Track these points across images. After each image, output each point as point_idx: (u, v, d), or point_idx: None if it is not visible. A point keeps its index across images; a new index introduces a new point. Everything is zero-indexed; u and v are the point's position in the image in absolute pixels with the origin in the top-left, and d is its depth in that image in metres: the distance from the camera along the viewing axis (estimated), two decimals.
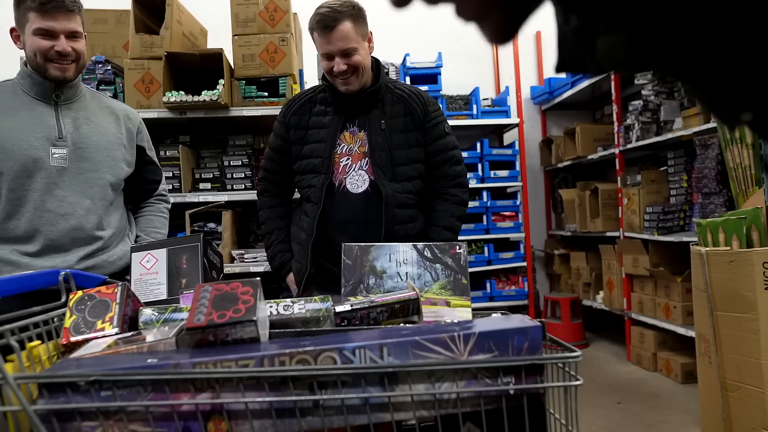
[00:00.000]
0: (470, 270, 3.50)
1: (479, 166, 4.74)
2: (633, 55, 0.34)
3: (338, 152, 1.93)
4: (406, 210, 1.92)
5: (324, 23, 1.82)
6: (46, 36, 1.68)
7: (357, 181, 1.92)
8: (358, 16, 1.88)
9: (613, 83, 4.27)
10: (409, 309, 1.01)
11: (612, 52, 0.34)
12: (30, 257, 1.69)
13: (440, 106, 2.09)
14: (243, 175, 3.25)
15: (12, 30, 1.76)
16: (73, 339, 0.90)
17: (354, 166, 1.93)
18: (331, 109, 1.98)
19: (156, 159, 2.07)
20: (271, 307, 0.95)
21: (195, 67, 3.08)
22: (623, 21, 0.33)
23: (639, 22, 0.33)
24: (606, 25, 0.34)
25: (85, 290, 0.97)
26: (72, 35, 1.71)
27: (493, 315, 0.94)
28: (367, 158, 1.92)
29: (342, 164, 1.93)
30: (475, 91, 4.83)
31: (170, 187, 3.03)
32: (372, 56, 2.00)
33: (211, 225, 3.25)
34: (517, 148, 4.87)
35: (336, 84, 1.92)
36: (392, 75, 4.57)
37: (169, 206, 2.12)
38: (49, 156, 1.71)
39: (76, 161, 1.76)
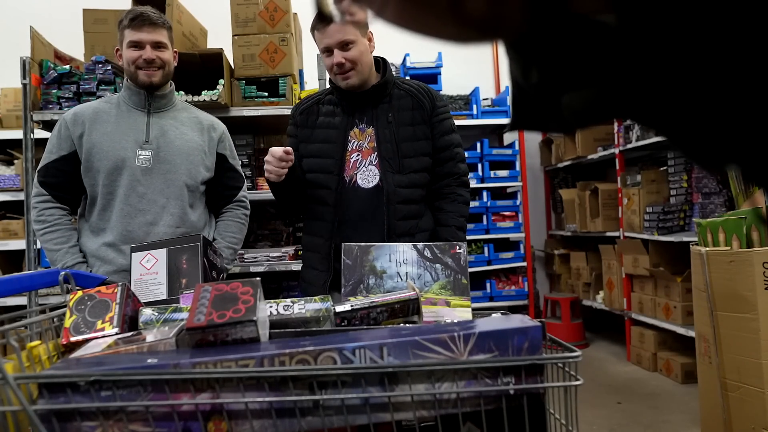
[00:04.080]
0: (470, 270, 3.49)
1: (479, 166, 4.74)
2: (606, 110, 0.31)
3: (349, 149, 1.95)
4: (410, 206, 1.92)
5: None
6: (135, 47, 1.94)
7: (367, 176, 1.93)
8: None
9: None
10: (409, 309, 1.01)
11: (583, 109, 0.31)
12: (111, 248, 1.89)
13: (447, 102, 2.09)
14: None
15: (116, 50, 2.01)
16: (73, 339, 0.90)
17: (364, 161, 1.94)
18: (339, 109, 1.99)
19: (239, 167, 2.22)
20: (271, 307, 0.95)
21: (195, 67, 3.07)
22: (594, 76, 0.30)
23: (613, 76, 0.29)
24: (573, 80, 0.31)
25: (85, 290, 0.97)
26: (157, 45, 1.95)
27: (493, 315, 0.94)
28: (375, 153, 1.93)
29: (352, 160, 1.95)
30: (475, 91, 4.83)
31: None
32: (379, 56, 2.02)
33: None
34: (517, 148, 4.87)
35: (337, 81, 1.93)
36: None
37: (248, 212, 2.24)
38: (135, 157, 1.94)
39: (158, 163, 1.96)
